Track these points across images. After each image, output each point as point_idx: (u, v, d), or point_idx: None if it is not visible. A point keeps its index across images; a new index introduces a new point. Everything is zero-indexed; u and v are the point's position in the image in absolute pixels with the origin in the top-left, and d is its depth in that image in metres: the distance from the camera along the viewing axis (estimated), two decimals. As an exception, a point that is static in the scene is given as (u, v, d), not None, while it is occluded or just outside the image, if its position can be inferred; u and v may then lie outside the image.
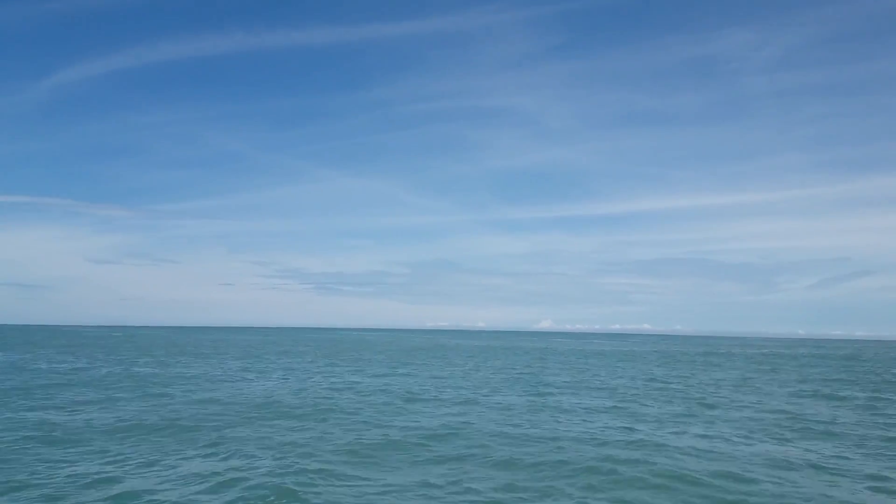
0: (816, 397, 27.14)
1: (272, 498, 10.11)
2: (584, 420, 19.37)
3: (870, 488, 11.78)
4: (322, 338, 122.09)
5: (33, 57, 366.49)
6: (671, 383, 32.94)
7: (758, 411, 22.27)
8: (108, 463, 12.42)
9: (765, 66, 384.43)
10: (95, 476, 11.38)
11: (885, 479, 12.55)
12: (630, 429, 17.68)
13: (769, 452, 14.75)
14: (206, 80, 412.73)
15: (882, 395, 28.40)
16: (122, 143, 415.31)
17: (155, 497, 10.27)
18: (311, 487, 10.86)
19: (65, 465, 12.53)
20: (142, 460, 12.84)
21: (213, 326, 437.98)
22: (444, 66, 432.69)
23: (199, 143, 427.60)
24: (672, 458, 13.78)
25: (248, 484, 10.87)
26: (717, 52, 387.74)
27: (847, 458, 14.54)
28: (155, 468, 12.28)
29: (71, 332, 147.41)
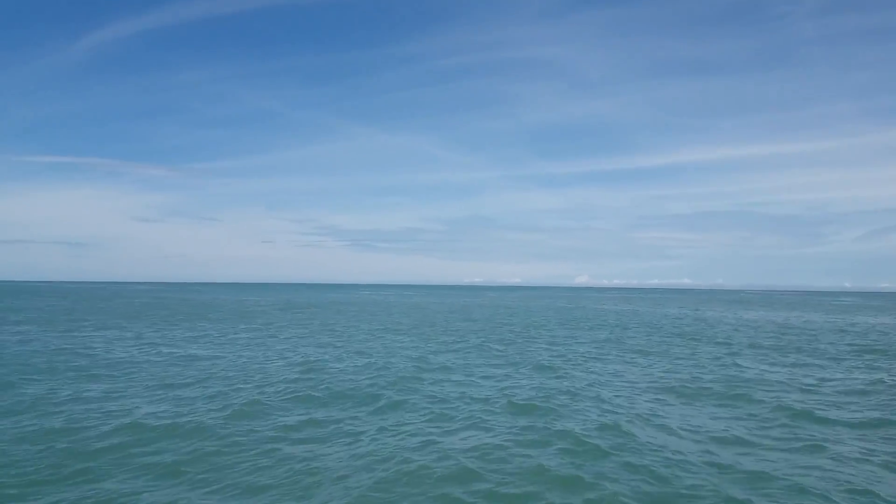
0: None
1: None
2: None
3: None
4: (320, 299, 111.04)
5: (69, 17, 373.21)
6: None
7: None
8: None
9: (814, 10, 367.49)
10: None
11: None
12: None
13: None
14: (239, 37, 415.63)
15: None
16: (158, 102, 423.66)
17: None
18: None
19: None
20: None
21: (254, 283, 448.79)
22: (476, 17, 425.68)
23: (234, 101, 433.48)
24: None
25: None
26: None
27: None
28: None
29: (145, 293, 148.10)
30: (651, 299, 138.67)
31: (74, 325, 39.79)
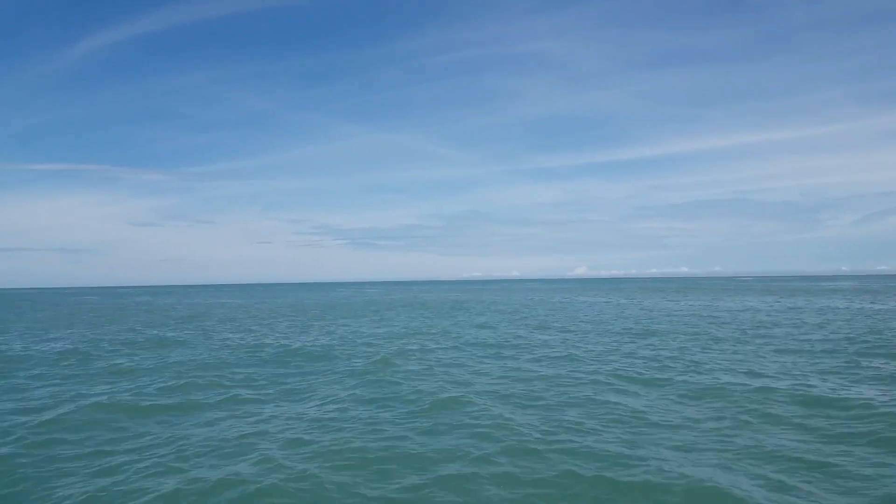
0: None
1: None
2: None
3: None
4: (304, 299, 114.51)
5: (60, 24, 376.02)
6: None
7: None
8: None
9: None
10: None
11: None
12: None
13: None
14: (229, 40, 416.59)
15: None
16: (152, 106, 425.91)
17: None
18: None
19: None
20: None
21: (250, 284, 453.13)
22: (468, 13, 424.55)
23: (227, 103, 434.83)
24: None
25: None
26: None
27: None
28: None
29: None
30: (618, 289, 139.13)
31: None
